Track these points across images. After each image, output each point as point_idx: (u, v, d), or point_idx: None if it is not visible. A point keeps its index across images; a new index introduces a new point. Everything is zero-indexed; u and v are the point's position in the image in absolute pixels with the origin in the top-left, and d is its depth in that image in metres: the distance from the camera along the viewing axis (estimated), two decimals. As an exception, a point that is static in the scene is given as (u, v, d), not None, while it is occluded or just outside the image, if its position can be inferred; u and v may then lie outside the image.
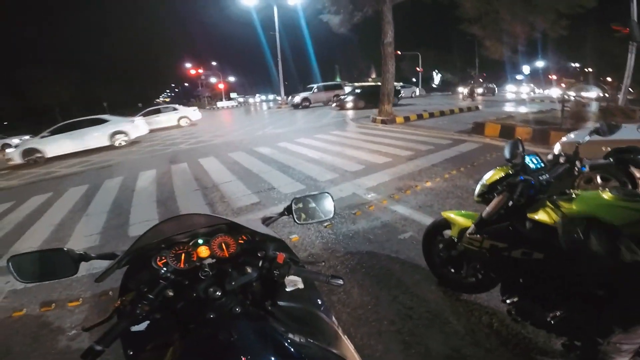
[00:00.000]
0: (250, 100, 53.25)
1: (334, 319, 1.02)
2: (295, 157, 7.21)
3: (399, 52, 14.45)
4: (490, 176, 1.75)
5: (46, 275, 0.96)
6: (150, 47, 68.57)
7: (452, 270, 2.18)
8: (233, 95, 54.26)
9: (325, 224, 3.55)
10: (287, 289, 0.94)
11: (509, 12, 13.30)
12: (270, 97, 53.21)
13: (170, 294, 0.83)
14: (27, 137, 24.60)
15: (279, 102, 30.10)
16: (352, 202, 4.16)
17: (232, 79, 58.36)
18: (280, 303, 0.98)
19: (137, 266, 0.98)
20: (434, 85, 48.29)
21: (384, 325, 2.07)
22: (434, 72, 49.66)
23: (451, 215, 2.06)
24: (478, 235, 1.71)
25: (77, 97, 42.76)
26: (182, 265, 0.96)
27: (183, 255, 0.98)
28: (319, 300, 1.06)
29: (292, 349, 0.68)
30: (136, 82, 57.34)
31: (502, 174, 1.67)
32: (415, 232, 3.22)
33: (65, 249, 0.95)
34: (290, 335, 0.75)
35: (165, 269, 0.93)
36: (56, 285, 2.94)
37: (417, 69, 41.60)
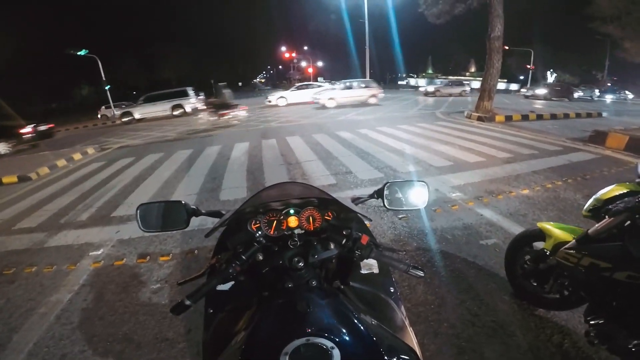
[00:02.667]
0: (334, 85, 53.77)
1: (402, 309, 1.01)
2: (375, 144, 7.12)
3: (506, 47, 12.90)
4: (607, 191, 1.58)
5: (163, 226, 1.06)
6: (252, 30, 73.97)
7: (534, 283, 2.03)
8: (320, 79, 55.58)
9: (400, 216, 3.47)
10: (362, 272, 0.95)
11: None
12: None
13: (260, 257, 0.87)
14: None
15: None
16: (433, 199, 3.96)
17: (320, 64, 59.47)
18: (352, 284, 0.99)
19: (234, 228, 1.06)
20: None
21: (442, 327, 2.00)
22: (548, 72, 43.21)
23: (548, 226, 1.90)
24: (577, 252, 1.58)
25: (191, 73, 48.62)
26: (272, 232, 1.03)
27: (275, 222, 1.04)
28: (391, 288, 1.05)
29: (362, 328, 0.68)
30: (239, 63, 62.64)
31: (623, 191, 1.52)
32: (500, 239, 2.94)
33: (182, 202, 1.06)
34: (362, 315, 0.75)
35: (259, 233, 0.98)
36: (154, 239, 3.38)
37: (528, 66, 36.64)
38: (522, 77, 40.60)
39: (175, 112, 17.86)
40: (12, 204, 5.15)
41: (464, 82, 27.95)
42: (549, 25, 34.23)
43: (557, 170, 4.96)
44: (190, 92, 18.50)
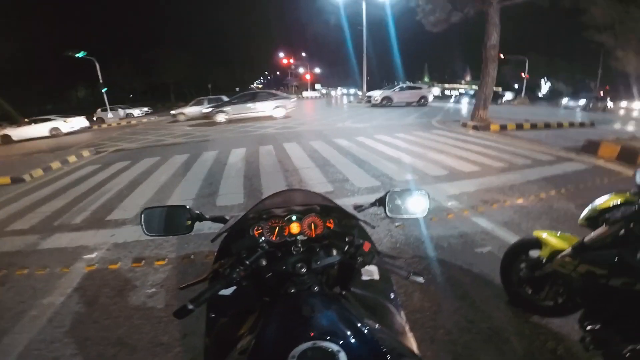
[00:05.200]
0: (332, 92, 54.15)
1: (403, 314, 1.02)
2: (372, 153, 7.16)
3: (501, 56, 13.09)
4: (604, 201, 1.61)
5: (166, 230, 1.07)
6: (250, 36, 74.42)
7: (530, 291, 2.07)
8: (317, 86, 55.89)
9: (396, 224, 3.49)
10: (363, 278, 0.96)
11: None
12: (352, 91, 53.42)
13: (264, 263, 0.88)
14: (145, 108, 29.27)
15: (360, 96, 30.02)
16: (429, 207, 3.98)
17: (317, 70, 59.91)
18: (353, 290, 1.00)
19: (237, 233, 1.06)
20: (540, 95, 42.72)
21: (439, 333, 2.01)
22: (542, 80, 43.93)
23: (544, 235, 1.95)
24: (573, 259, 1.63)
25: (188, 78, 48.61)
26: (274, 238, 1.03)
27: (277, 228, 1.05)
28: (392, 294, 1.07)
29: (365, 331, 0.70)
30: (236, 68, 62.81)
31: (619, 201, 1.54)
32: (495, 248, 2.96)
33: (187, 207, 1.07)
34: (364, 319, 0.76)
35: (262, 239, 1.00)
36: (150, 243, 3.36)
37: (523, 75, 37.23)
38: (516, 86, 41.17)
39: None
40: (4, 205, 5.10)
41: (423, 86, 24.19)
42: (544, 33, 34.88)
43: (551, 180, 5.03)
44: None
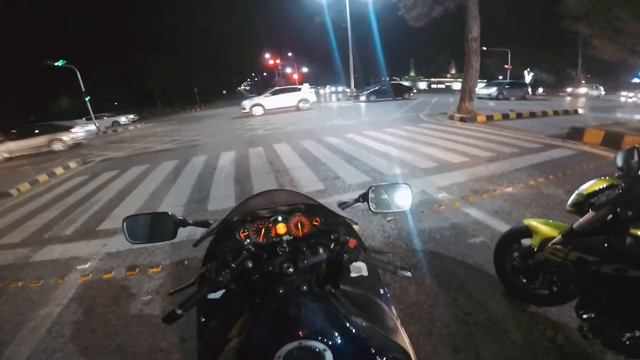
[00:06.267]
0: (321, 91, 54.16)
1: (393, 310, 1.03)
2: (362, 149, 7.20)
3: (484, 48, 13.25)
4: (589, 186, 1.62)
5: (150, 238, 1.07)
6: (235, 39, 73.89)
7: (524, 280, 2.07)
8: (305, 85, 55.76)
9: (388, 219, 3.52)
10: (352, 275, 0.96)
11: (625, 10, 11.37)
12: (340, 88, 53.57)
13: (250, 265, 0.88)
14: (131, 115, 28.84)
15: (348, 93, 30.24)
16: (420, 200, 4.04)
17: (305, 69, 59.81)
18: (343, 287, 1.01)
19: (223, 236, 1.07)
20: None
21: (436, 326, 2.02)
22: (525, 71, 44.64)
23: (534, 223, 1.94)
24: (564, 247, 1.61)
25: (174, 84, 48.00)
26: (261, 240, 1.04)
27: (263, 230, 1.05)
28: (381, 289, 1.07)
29: (354, 330, 0.69)
30: (222, 71, 62.29)
31: (604, 185, 1.55)
32: (487, 237, 3.02)
33: (169, 213, 1.07)
34: (353, 317, 0.77)
35: (247, 241, 1.00)
36: (143, 251, 3.34)
37: (506, 66, 37.80)
38: (500, 77, 41.76)
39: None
40: (-8, 221, 4.98)
41: (298, 88, 20.41)
42: (524, 25, 35.40)
43: (539, 167, 5.14)
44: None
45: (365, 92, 23.57)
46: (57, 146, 13.46)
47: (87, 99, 21.90)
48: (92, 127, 17.91)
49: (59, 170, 8.44)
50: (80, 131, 14.90)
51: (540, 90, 28.28)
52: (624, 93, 25.65)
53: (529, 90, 22.46)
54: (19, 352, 2.13)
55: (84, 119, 24.28)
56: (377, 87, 24.33)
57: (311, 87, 24.51)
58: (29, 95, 36.29)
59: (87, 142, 15.09)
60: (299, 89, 19.71)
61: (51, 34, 39.76)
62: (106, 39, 48.67)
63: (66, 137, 13.74)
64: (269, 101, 18.67)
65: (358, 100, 23.55)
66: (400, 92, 23.25)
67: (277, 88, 20.17)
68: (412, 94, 23.84)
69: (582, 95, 25.99)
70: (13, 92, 33.39)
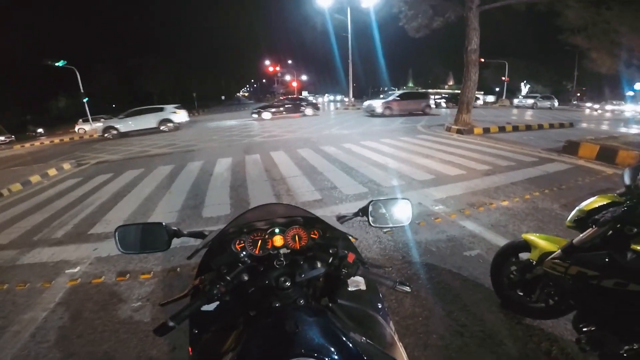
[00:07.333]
0: (319, 99, 54.57)
1: (391, 324, 1.01)
2: (359, 159, 7.20)
3: (482, 60, 13.42)
4: (589, 203, 1.64)
5: (143, 247, 1.04)
6: (236, 44, 74.38)
7: (521, 293, 2.08)
8: (304, 93, 56.17)
9: (385, 231, 3.50)
10: (350, 289, 0.95)
11: (623, 23, 11.60)
12: (338, 97, 53.99)
13: (246, 277, 0.86)
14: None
15: (346, 103, 30.39)
16: (416, 212, 4.02)
17: (304, 77, 60.26)
18: (340, 301, 0.98)
19: (218, 248, 1.04)
20: (521, 97, 44.24)
21: (432, 338, 2.01)
22: (522, 83, 45.34)
23: (533, 237, 1.96)
24: (564, 261, 1.63)
25: (173, 87, 48.03)
26: (257, 252, 1.01)
27: (260, 242, 1.03)
28: (379, 304, 1.05)
29: (351, 346, 0.68)
30: (222, 77, 62.53)
31: (605, 202, 1.57)
32: (483, 250, 3.01)
33: (163, 224, 1.04)
34: (350, 333, 0.75)
35: (243, 253, 0.97)
36: (134, 256, 3.25)
37: (503, 78, 38.38)
38: (497, 89, 42.31)
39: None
40: (-19, 222, 4.89)
41: (161, 108, 17.76)
42: (522, 37, 36.04)
43: (534, 181, 5.16)
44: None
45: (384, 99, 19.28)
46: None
47: (85, 100, 21.83)
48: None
49: (52, 172, 8.35)
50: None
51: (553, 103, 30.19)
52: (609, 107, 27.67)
53: (555, 102, 28.04)
54: (0, 357, 2.07)
55: (80, 120, 24.22)
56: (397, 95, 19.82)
57: (309, 95, 24.85)
58: (26, 94, 36.08)
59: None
60: (162, 109, 17.36)
61: (51, 34, 39.80)
62: (107, 41, 48.77)
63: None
64: (124, 124, 16.58)
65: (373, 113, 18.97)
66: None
67: (135, 109, 17.56)
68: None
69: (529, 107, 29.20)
70: (9, 91, 33.17)
